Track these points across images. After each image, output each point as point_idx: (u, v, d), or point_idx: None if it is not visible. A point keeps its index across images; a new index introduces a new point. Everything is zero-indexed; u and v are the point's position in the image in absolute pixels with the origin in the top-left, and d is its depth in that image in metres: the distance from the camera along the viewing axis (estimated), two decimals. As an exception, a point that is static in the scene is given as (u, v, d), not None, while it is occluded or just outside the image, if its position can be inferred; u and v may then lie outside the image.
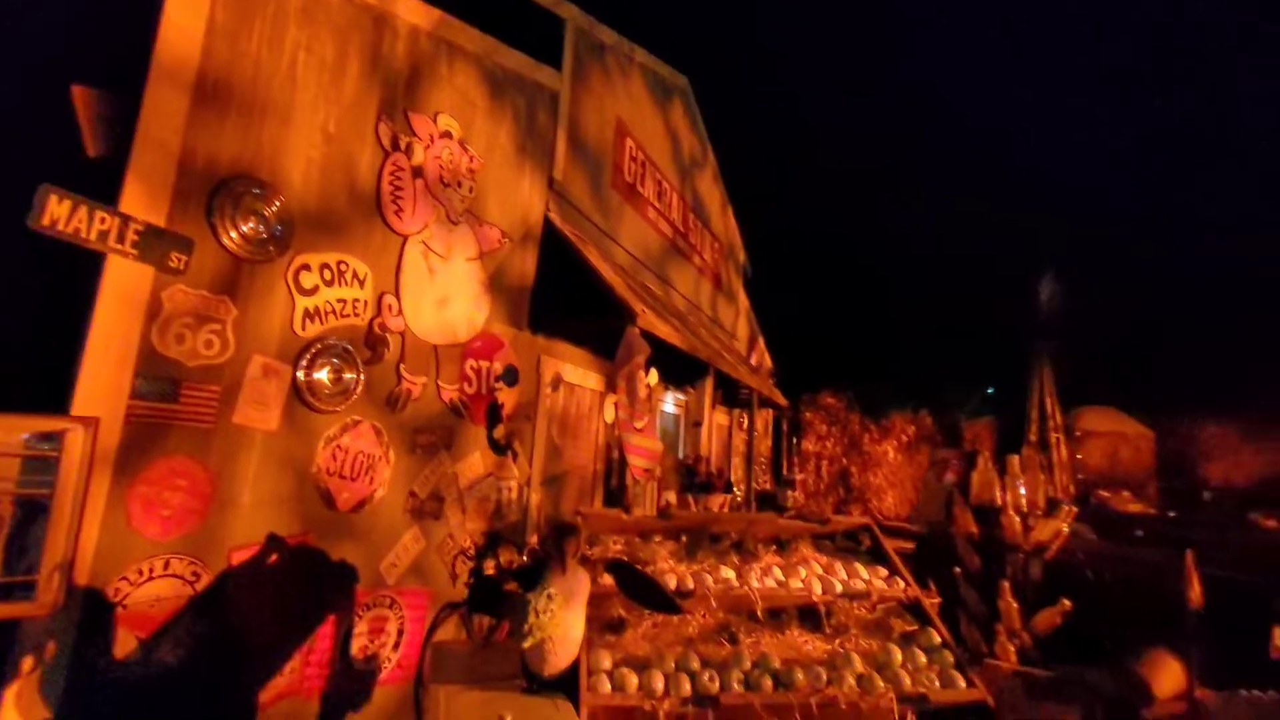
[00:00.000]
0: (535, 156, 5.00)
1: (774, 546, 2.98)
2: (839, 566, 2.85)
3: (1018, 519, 3.78)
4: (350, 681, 3.42)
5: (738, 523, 3.08)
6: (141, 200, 2.55)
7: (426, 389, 3.93)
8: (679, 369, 6.52)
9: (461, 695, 2.08)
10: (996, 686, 2.66)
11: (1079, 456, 10.96)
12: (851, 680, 2.33)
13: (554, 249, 5.11)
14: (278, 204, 3.01)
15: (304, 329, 3.17)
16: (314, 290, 3.24)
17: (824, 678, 2.34)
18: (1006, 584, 3.64)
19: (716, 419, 8.91)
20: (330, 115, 3.32)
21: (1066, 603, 3.59)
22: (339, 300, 3.37)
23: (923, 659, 2.46)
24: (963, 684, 2.39)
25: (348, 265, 3.41)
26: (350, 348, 3.39)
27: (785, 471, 10.67)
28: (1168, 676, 3.44)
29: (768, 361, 11.89)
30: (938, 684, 2.38)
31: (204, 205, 2.75)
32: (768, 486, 10.66)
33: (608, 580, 2.58)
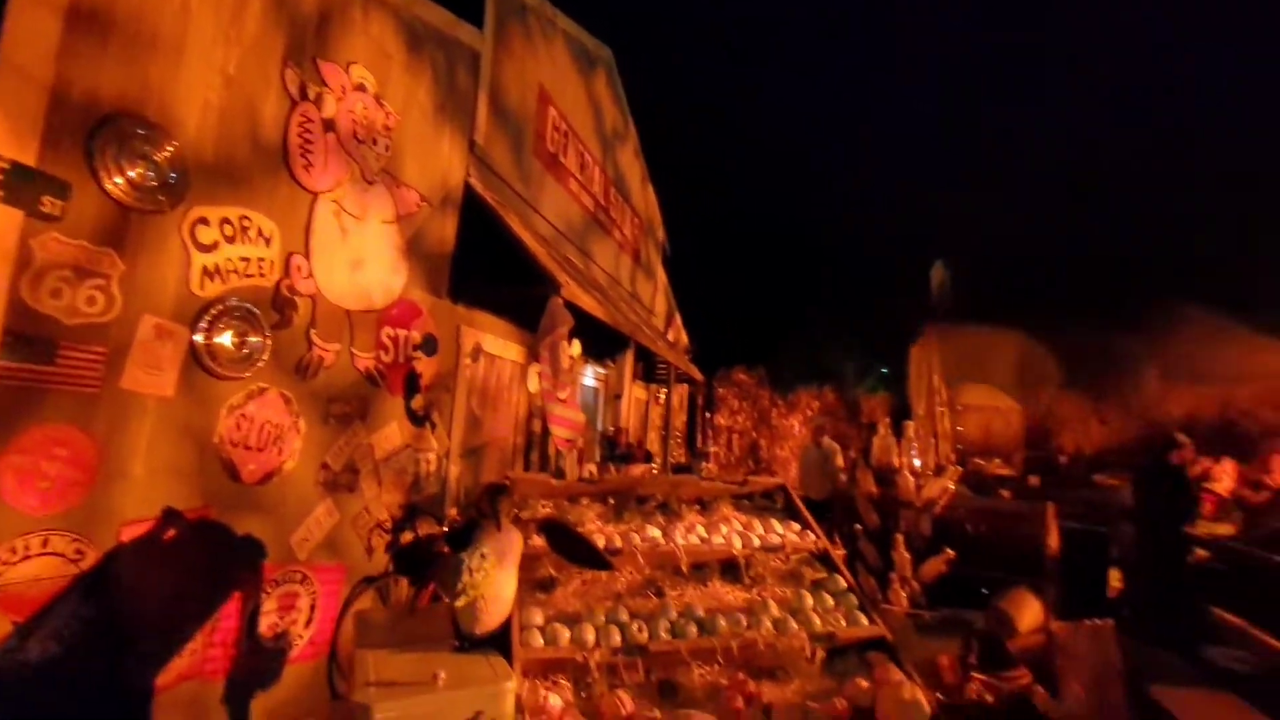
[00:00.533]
0: (455, 118, 4.81)
1: (696, 507, 3.12)
2: (756, 523, 3.03)
3: (911, 479, 4.16)
4: (258, 661, 3.26)
5: (663, 485, 3.19)
6: (4, 136, 2.26)
7: (340, 357, 3.75)
8: (600, 342, 6.56)
9: (392, 657, 2.05)
10: (890, 627, 2.95)
11: (959, 429, 12.10)
12: (769, 624, 2.51)
13: (475, 215, 4.97)
14: (170, 149, 2.75)
15: (202, 288, 2.93)
16: (213, 247, 2.99)
17: (744, 623, 2.50)
18: (900, 537, 4.01)
19: (635, 393, 9.06)
20: (230, 56, 3.04)
21: (950, 552, 4.01)
22: (242, 259, 3.13)
23: (830, 602, 2.68)
24: (865, 622, 2.64)
25: (251, 221, 3.17)
26: (255, 310, 3.17)
27: (700, 444, 11.04)
28: (1028, 612, 3.93)
29: (684, 338, 12.17)
30: (844, 623, 2.61)
31: (82, 146, 2.46)
32: (683, 459, 11.00)
33: (538, 542, 2.61)
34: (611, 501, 3.01)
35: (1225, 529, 5.46)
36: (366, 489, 3.99)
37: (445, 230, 4.73)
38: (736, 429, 12.56)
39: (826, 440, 6.42)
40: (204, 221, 2.94)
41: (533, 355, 4.99)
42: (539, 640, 2.27)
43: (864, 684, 2.29)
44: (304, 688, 3.48)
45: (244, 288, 3.13)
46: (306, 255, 3.49)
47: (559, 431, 4.71)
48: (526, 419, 5.87)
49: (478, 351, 5.14)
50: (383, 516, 4.11)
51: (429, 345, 4.53)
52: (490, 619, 2.21)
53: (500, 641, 2.24)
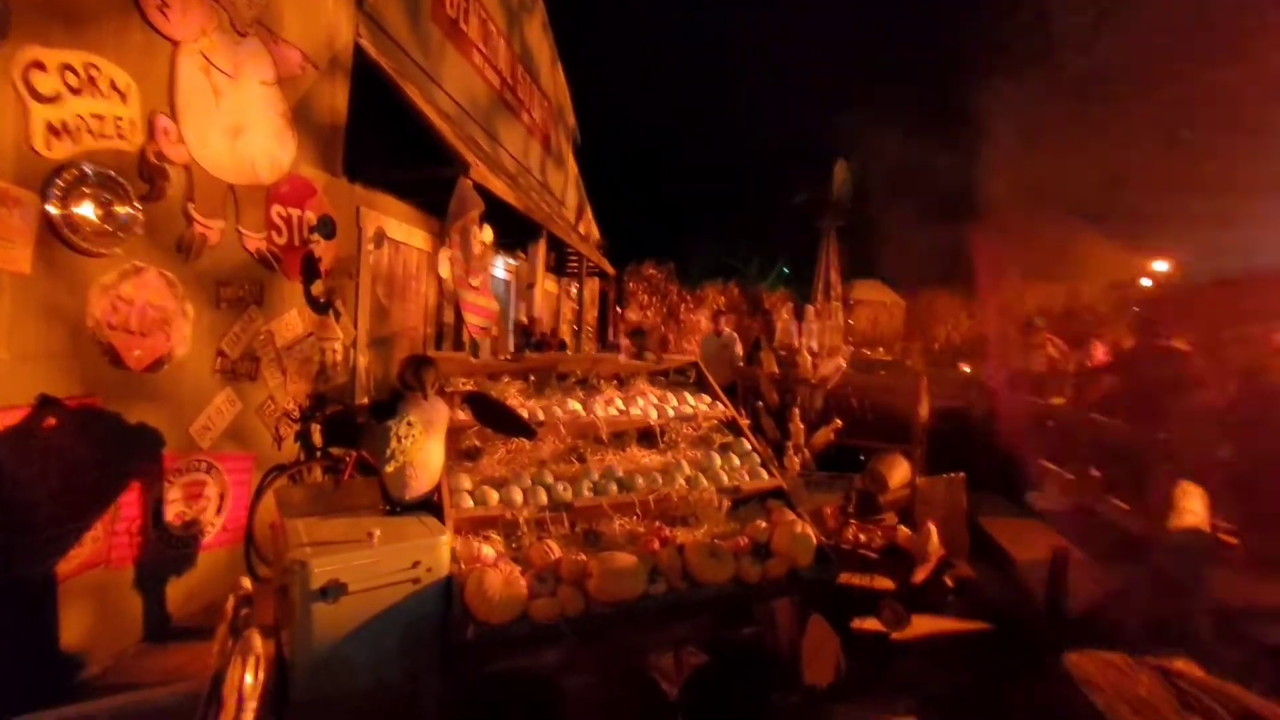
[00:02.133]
0: (339, -36, 4.23)
1: (615, 383, 3.28)
2: (671, 396, 3.24)
3: (809, 358, 4.54)
4: (168, 548, 3.20)
5: (582, 363, 3.30)
6: None
7: (226, 235, 3.43)
8: (511, 232, 6.35)
9: (323, 523, 2.10)
10: (790, 485, 3.32)
11: (850, 321, 13.06)
12: (681, 480, 2.77)
13: (369, 85, 4.51)
14: (-19, -32, 2.27)
15: (49, 148, 2.55)
16: (56, 98, 2.58)
17: (659, 481, 2.74)
18: (796, 410, 4.42)
19: (547, 286, 8.95)
20: None
21: (838, 423, 4.49)
22: (94, 115, 2.73)
23: (736, 461, 2.98)
24: (766, 476, 2.97)
25: (100, 71, 2.74)
26: (119, 177, 2.81)
27: (610, 338, 11.24)
28: (898, 471, 4.52)
29: (595, 232, 11.99)
30: (748, 478, 2.92)
31: None
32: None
33: (462, 416, 2.67)
34: (532, 379, 3.08)
35: (1058, 400, 6.43)
36: (269, 378, 3.82)
37: (335, 99, 4.29)
38: (646, 323, 12.84)
39: (727, 330, 6.75)
40: (40, 66, 2.51)
41: (442, 241, 4.79)
42: (468, 502, 2.39)
43: (763, 524, 2.62)
44: (221, 573, 3.46)
45: (101, 151, 2.75)
46: (174, 116, 3.08)
47: (473, 319, 4.65)
48: (437, 308, 5.71)
49: (381, 237, 4.86)
50: (289, 406, 3.98)
51: (326, 227, 4.22)
52: (420, 485, 2.29)
53: (430, 506, 2.34)
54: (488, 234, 4.81)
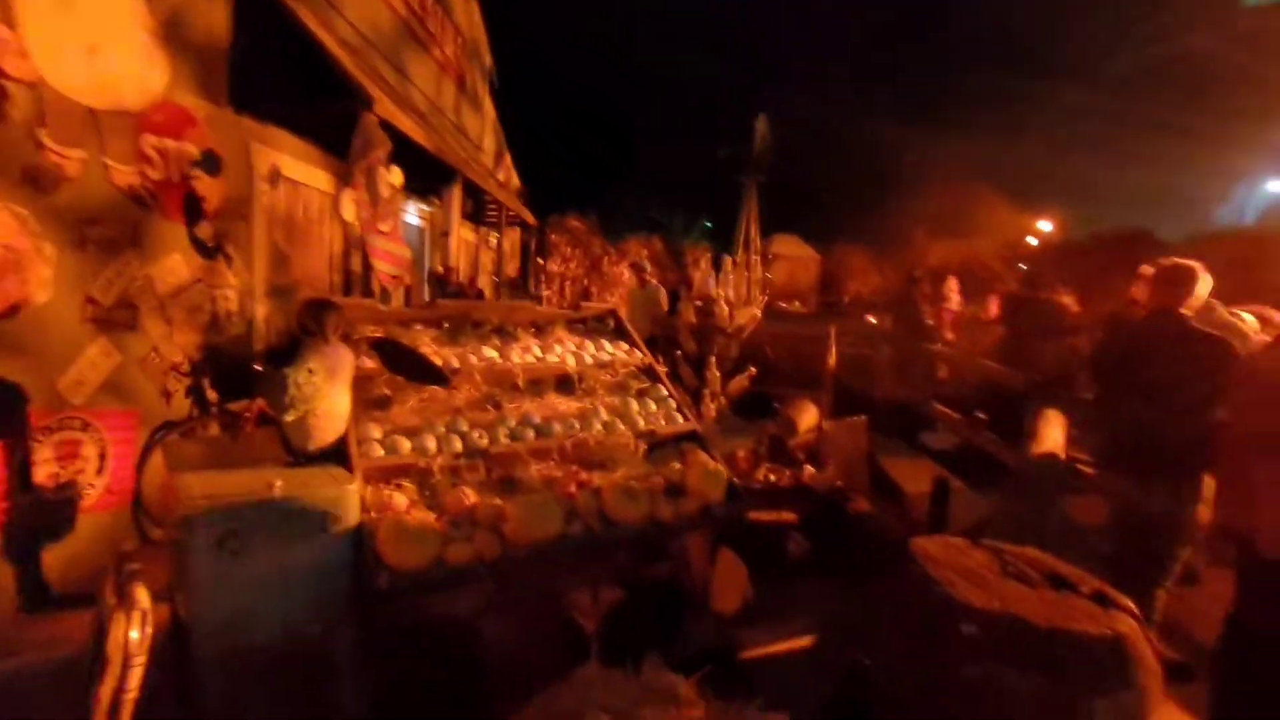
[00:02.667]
0: None
1: (532, 330, 3.24)
2: (589, 344, 3.24)
3: (726, 309, 4.66)
4: (42, 511, 2.94)
5: (499, 310, 3.23)
6: None
7: (89, 168, 3.06)
8: (423, 175, 6.02)
9: (219, 476, 1.99)
10: (706, 429, 3.44)
11: (769, 275, 13.44)
12: (599, 425, 2.81)
13: (256, 5, 4.06)
14: None
15: None
16: None
17: (576, 426, 2.77)
18: (713, 359, 4.56)
19: (464, 234, 8.60)
20: None
21: (753, 370, 4.67)
22: (-94, 17, 2.32)
23: (654, 406, 3.05)
24: (681, 421, 3.06)
25: (-89, -37, 2.32)
26: (-55, 92, 2.43)
27: (532, 289, 11.03)
28: (807, 415, 4.77)
29: (515, 179, 11.57)
30: (664, 423, 3.00)
31: None
32: (516, 306, 10.96)
33: (370, 364, 2.57)
34: (446, 327, 3.00)
35: (946, 348, 6.98)
36: (151, 328, 3.50)
37: (214, 17, 3.84)
38: (569, 275, 12.67)
39: (652, 283, 6.79)
40: None
41: (345, 181, 4.48)
42: (379, 451, 2.33)
43: (677, 466, 2.72)
44: (106, 537, 3.22)
45: (-81, 59, 2.35)
46: (12, 26, 2.67)
47: (382, 266, 4.43)
48: (343, 255, 5.38)
49: (276, 175, 4.48)
50: (177, 358, 3.68)
51: (210, 163, 3.84)
52: (324, 435, 2.20)
53: (338, 456, 2.26)
54: (396, 176, 4.55)
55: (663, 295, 6.91)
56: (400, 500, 2.18)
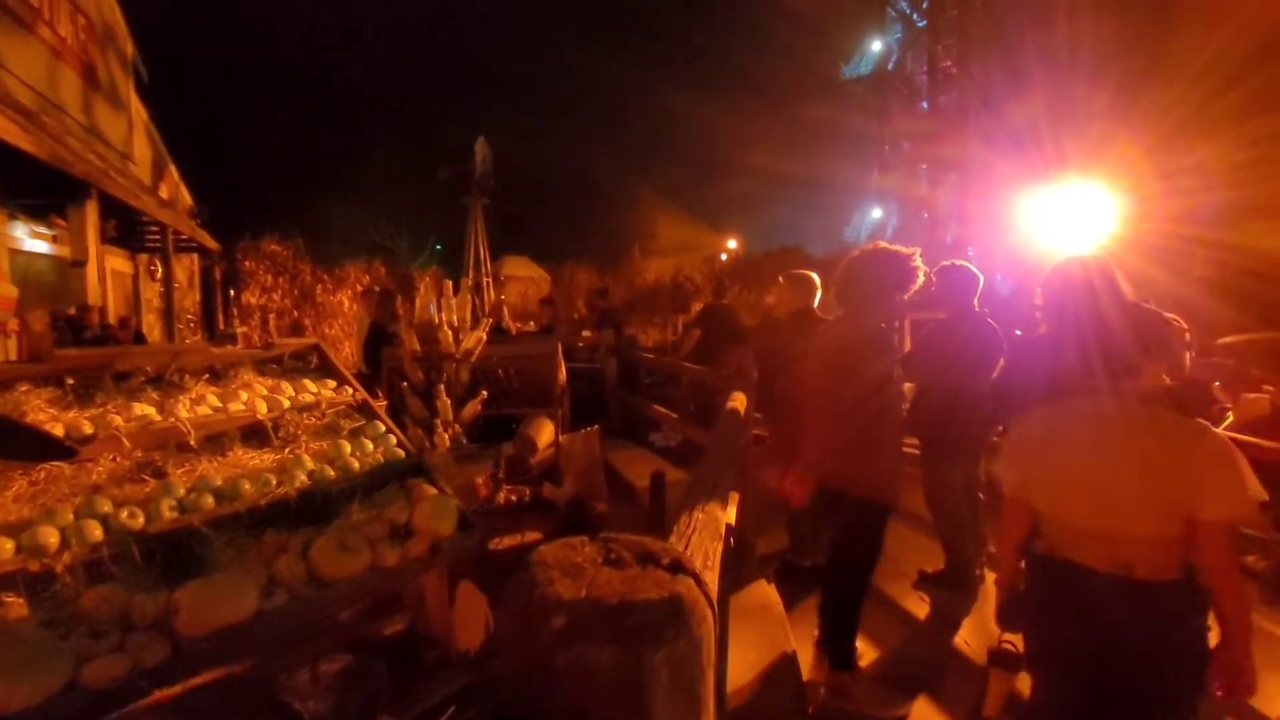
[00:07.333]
0: None
1: (206, 377, 2.72)
2: (286, 385, 2.84)
3: (450, 333, 4.52)
4: None
5: (157, 357, 2.63)
6: None
7: None
8: (39, 189, 4.64)
9: None
10: (432, 461, 3.28)
11: (503, 296, 13.46)
12: (303, 476, 2.47)
13: None
14: None
15: None
16: None
17: (274, 482, 2.40)
18: (442, 387, 4.38)
19: (113, 264, 6.81)
20: None
21: (484, 393, 4.61)
22: None
23: (370, 445, 2.80)
24: (403, 455, 2.86)
25: None
26: None
27: (223, 326, 9.31)
28: (545, 432, 4.89)
29: (186, 197, 9.63)
30: (383, 460, 2.77)
31: None
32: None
33: (-65, 446, 1.89)
34: (71, 383, 2.35)
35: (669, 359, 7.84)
36: None
37: None
38: (273, 307, 10.99)
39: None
40: None
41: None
42: (-43, 563, 1.71)
43: (400, 505, 2.54)
44: None
45: None
46: None
47: (-34, 310, 3.29)
48: (-107, 298, 3.87)
49: None
50: None
51: None
52: None
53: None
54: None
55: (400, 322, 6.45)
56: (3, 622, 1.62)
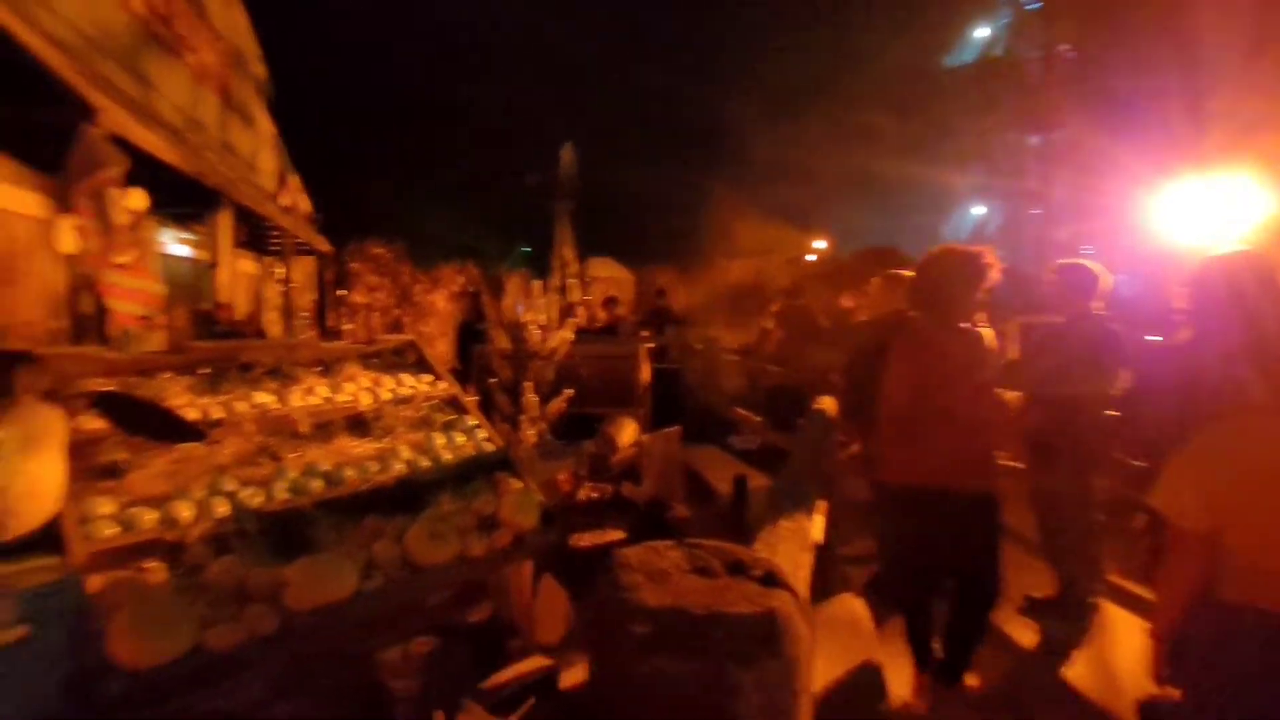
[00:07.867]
0: None
1: (318, 369, 2.93)
2: (386, 379, 3.01)
3: (538, 333, 4.64)
4: None
5: (275, 350, 2.87)
6: None
7: None
8: (181, 198, 5.20)
9: None
10: (517, 455, 3.37)
11: (588, 297, 13.76)
12: (400, 466, 2.61)
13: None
14: None
15: None
16: None
17: (374, 469, 2.55)
18: (529, 384, 4.50)
19: (241, 266, 7.53)
20: None
21: (569, 392, 4.69)
22: None
23: (461, 438, 2.91)
24: (491, 449, 2.96)
25: None
26: None
27: (332, 323, 10.06)
28: (626, 432, 4.92)
29: (304, 204, 10.49)
30: (473, 453, 2.88)
31: None
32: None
33: (94, 425, 2.13)
34: (204, 373, 2.59)
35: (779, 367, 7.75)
36: None
37: None
38: (377, 306, 11.76)
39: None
40: None
41: (65, 205, 3.71)
42: (109, 530, 1.92)
43: (489, 498, 2.62)
44: None
45: None
46: None
47: (123, 306, 3.72)
48: (70, 295, 4.44)
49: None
50: None
51: None
52: (24, 519, 1.77)
53: (49, 543, 1.82)
54: (137, 199, 3.87)
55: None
56: (138, 585, 1.81)
